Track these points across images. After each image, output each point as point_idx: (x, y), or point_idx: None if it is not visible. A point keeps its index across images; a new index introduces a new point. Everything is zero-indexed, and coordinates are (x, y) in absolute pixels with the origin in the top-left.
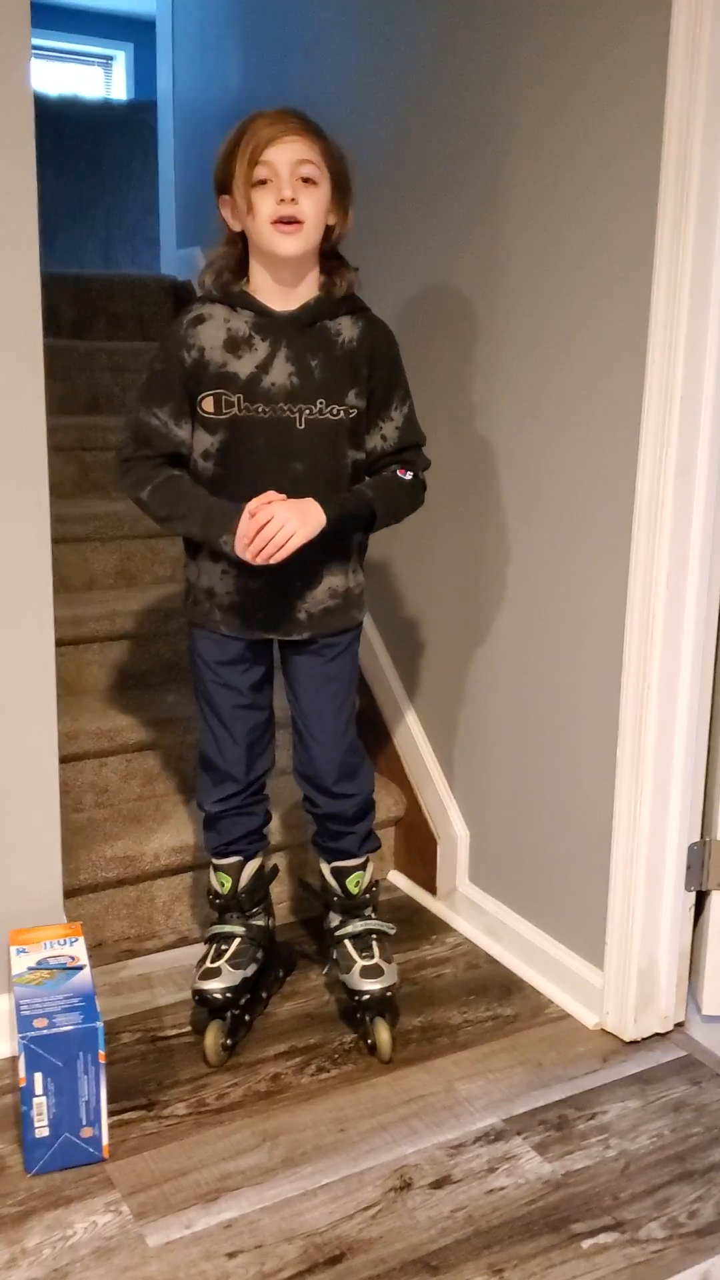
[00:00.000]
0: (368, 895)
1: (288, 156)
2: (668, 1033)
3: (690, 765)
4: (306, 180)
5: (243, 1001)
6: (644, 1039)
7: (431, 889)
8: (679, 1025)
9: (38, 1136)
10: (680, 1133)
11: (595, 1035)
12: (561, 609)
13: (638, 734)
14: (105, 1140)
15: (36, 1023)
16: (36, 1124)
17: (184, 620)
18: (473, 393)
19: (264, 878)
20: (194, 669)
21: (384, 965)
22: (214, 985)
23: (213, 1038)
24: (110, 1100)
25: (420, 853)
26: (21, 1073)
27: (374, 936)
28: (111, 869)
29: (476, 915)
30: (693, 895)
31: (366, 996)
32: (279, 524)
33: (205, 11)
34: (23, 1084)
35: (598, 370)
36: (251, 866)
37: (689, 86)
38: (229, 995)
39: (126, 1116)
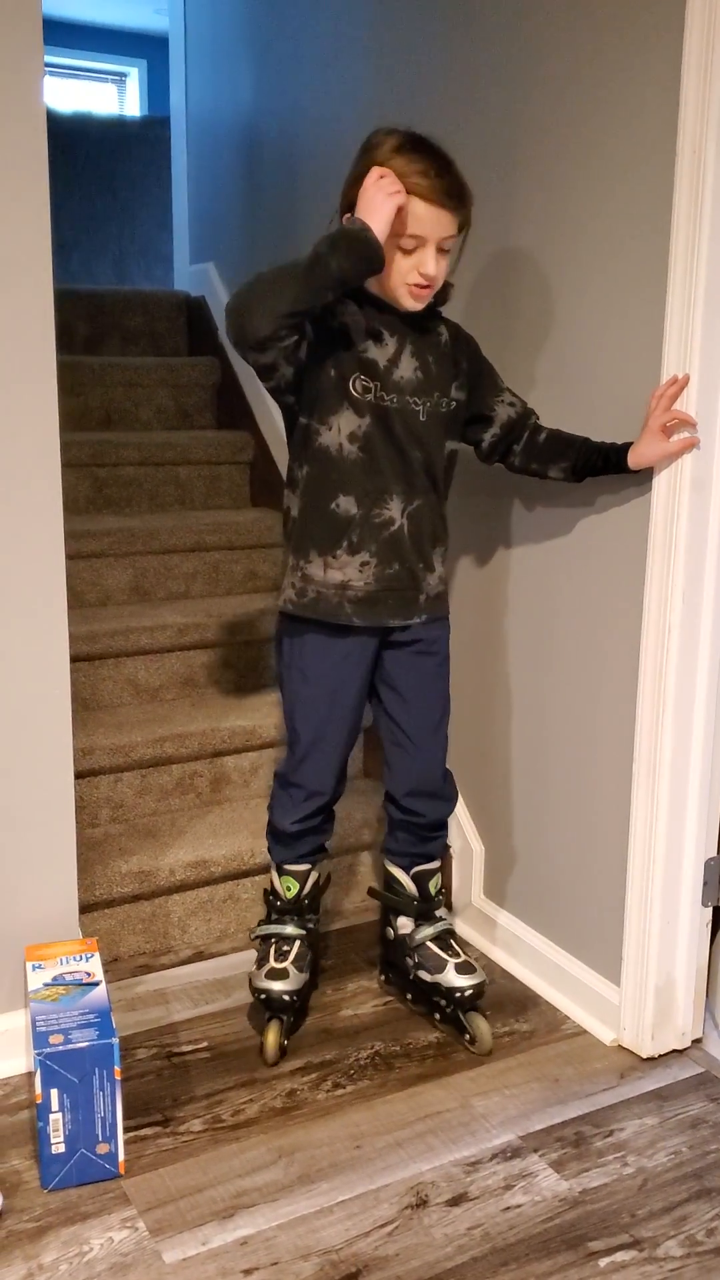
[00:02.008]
0: (440, 896)
1: (438, 230)
2: (685, 1049)
3: (707, 781)
4: (443, 248)
5: (299, 1004)
6: (661, 1055)
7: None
8: (696, 1041)
9: (54, 1152)
10: (698, 1150)
11: (612, 1052)
12: (576, 623)
13: (654, 749)
14: (121, 1156)
15: (52, 1039)
16: (53, 1140)
17: (285, 622)
18: None
19: (321, 886)
20: (298, 685)
21: (472, 962)
22: (282, 987)
23: (274, 1037)
24: (126, 1116)
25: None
26: (38, 1089)
27: (451, 935)
28: (127, 884)
29: (492, 930)
30: (709, 911)
31: (469, 992)
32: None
33: (218, 27)
34: (39, 1100)
35: (612, 381)
36: (315, 874)
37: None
38: (294, 997)
39: (143, 1133)
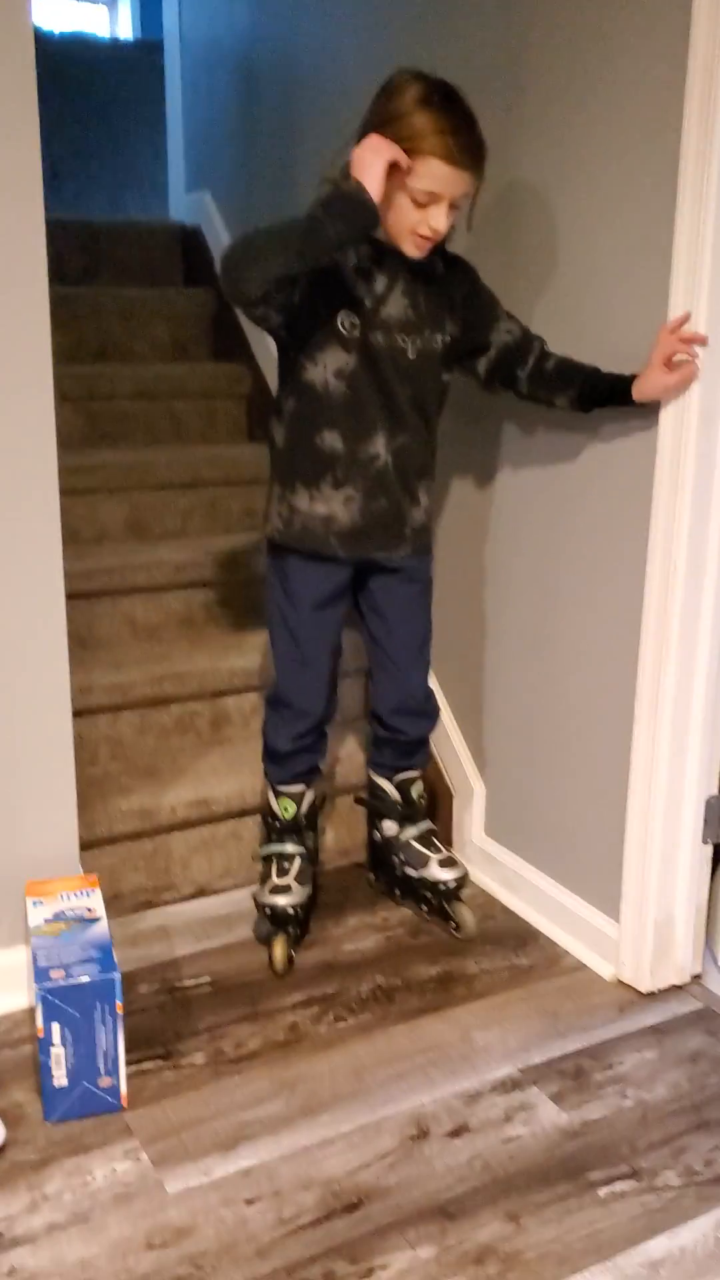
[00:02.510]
0: (422, 800)
1: (453, 189)
2: (685, 985)
3: (709, 718)
4: (454, 205)
5: (302, 916)
6: (661, 991)
7: (448, 842)
8: (696, 977)
9: (56, 1086)
10: (697, 1083)
11: (611, 987)
12: (580, 560)
13: (656, 687)
14: (124, 1089)
15: (54, 974)
16: (55, 1074)
17: (271, 549)
18: None
19: (316, 806)
20: (283, 606)
21: (454, 857)
22: (286, 900)
23: (281, 949)
24: (128, 1050)
25: (436, 807)
26: (39, 1023)
27: (433, 834)
28: (128, 822)
29: (492, 868)
30: (710, 848)
31: (451, 884)
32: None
33: None
34: (41, 1035)
35: (618, 310)
36: (310, 795)
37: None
38: (297, 910)
39: (145, 1066)
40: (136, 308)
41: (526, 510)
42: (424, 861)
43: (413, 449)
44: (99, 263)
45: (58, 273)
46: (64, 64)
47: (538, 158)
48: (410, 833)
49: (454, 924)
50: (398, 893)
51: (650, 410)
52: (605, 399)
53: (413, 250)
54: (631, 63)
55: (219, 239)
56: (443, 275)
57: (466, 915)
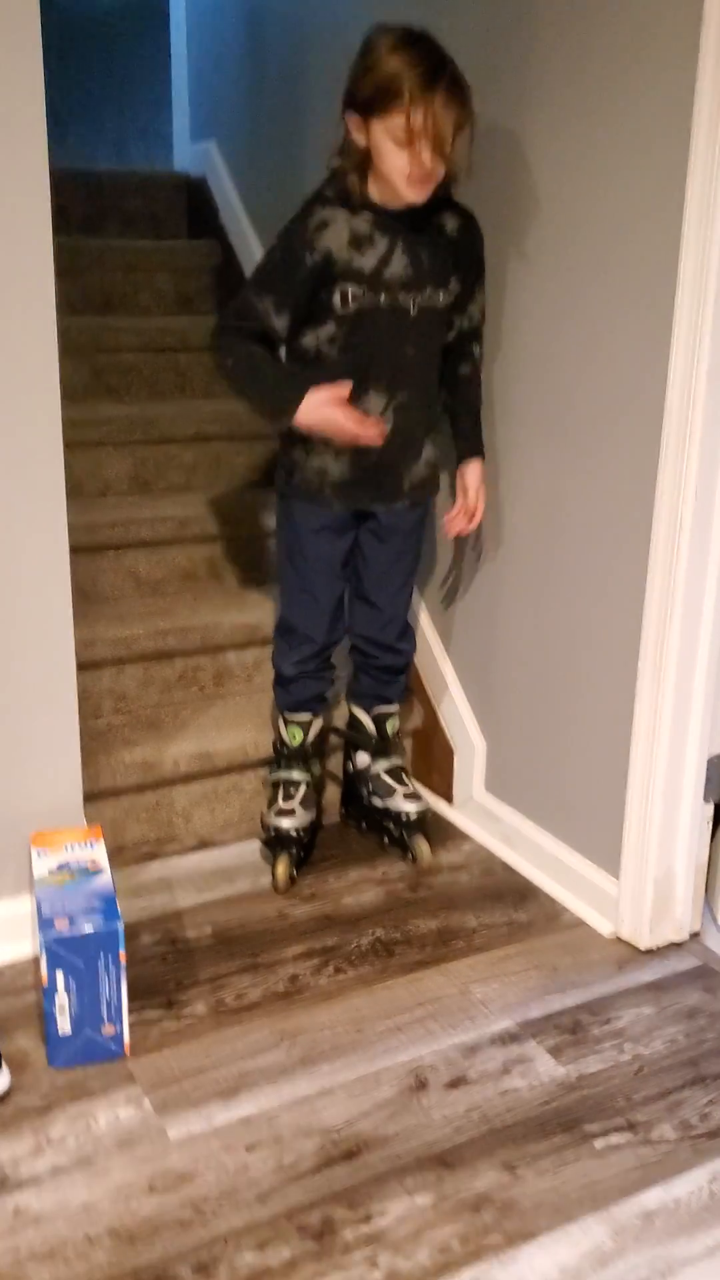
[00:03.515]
0: (397, 736)
1: (436, 129)
2: (683, 942)
3: (713, 677)
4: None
5: (305, 839)
6: (659, 948)
7: (448, 798)
8: (695, 935)
9: (60, 1033)
10: (694, 1038)
11: (610, 943)
12: (585, 516)
13: (660, 644)
14: (126, 1038)
15: (58, 924)
16: (59, 1021)
17: (279, 494)
18: (502, 300)
19: (325, 733)
20: (288, 537)
21: (418, 793)
22: (290, 823)
23: (284, 868)
24: (131, 999)
25: (437, 763)
26: (44, 972)
27: (403, 770)
28: (131, 774)
29: (492, 824)
30: (711, 807)
31: (413, 816)
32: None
33: None
34: (45, 983)
35: (630, 265)
36: (318, 723)
37: None
38: (301, 832)
39: (147, 1015)
40: (141, 259)
41: (531, 462)
42: (390, 792)
43: (416, 407)
44: (103, 213)
45: (61, 223)
46: (68, 11)
47: (546, 103)
48: (381, 765)
49: (411, 855)
50: (364, 825)
51: (658, 362)
52: (453, 432)
53: (409, 193)
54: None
55: (224, 189)
56: (454, 233)
57: (423, 847)
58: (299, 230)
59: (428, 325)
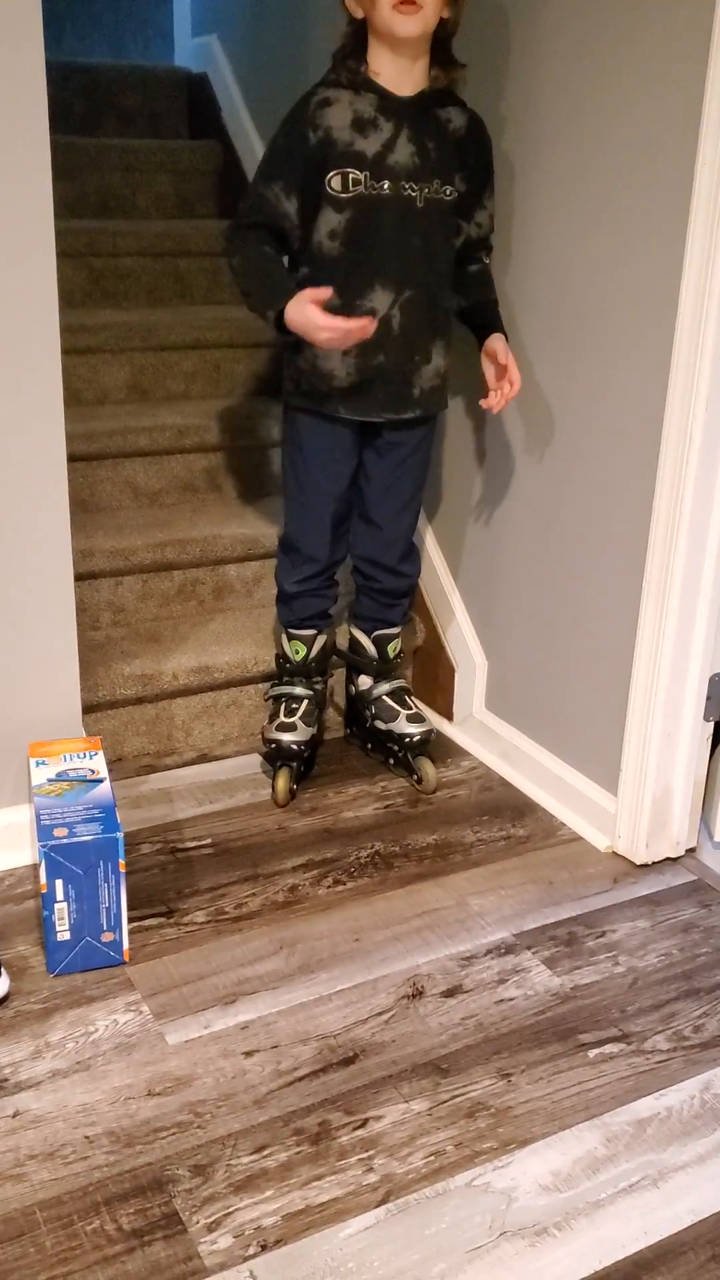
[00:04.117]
0: (399, 658)
1: None
2: (679, 858)
3: (717, 596)
4: None
5: (306, 754)
6: (655, 863)
7: (449, 715)
8: (690, 851)
9: (59, 940)
10: (688, 952)
11: (607, 858)
12: (593, 432)
13: (665, 563)
14: (126, 945)
15: (57, 832)
16: (58, 928)
17: (285, 407)
18: (512, 215)
19: (326, 652)
20: (293, 456)
21: (421, 714)
22: (291, 738)
23: (284, 781)
24: (130, 908)
25: (438, 681)
26: (43, 879)
27: (406, 691)
28: (130, 686)
29: (492, 741)
30: (710, 725)
31: (416, 738)
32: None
33: None
34: (44, 890)
35: (641, 178)
36: (321, 640)
37: None
38: (302, 747)
39: (146, 923)
40: (140, 160)
41: (536, 373)
42: (393, 715)
43: (423, 304)
44: (101, 111)
45: (58, 121)
46: None
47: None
48: (383, 688)
49: (416, 776)
50: (368, 746)
51: (671, 277)
52: (473, 325)
53: (401, 25)
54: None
55: (226, 87)
56: (460, 131)
57: (429, 768)
58: (302, 110)
59: (435, 218)
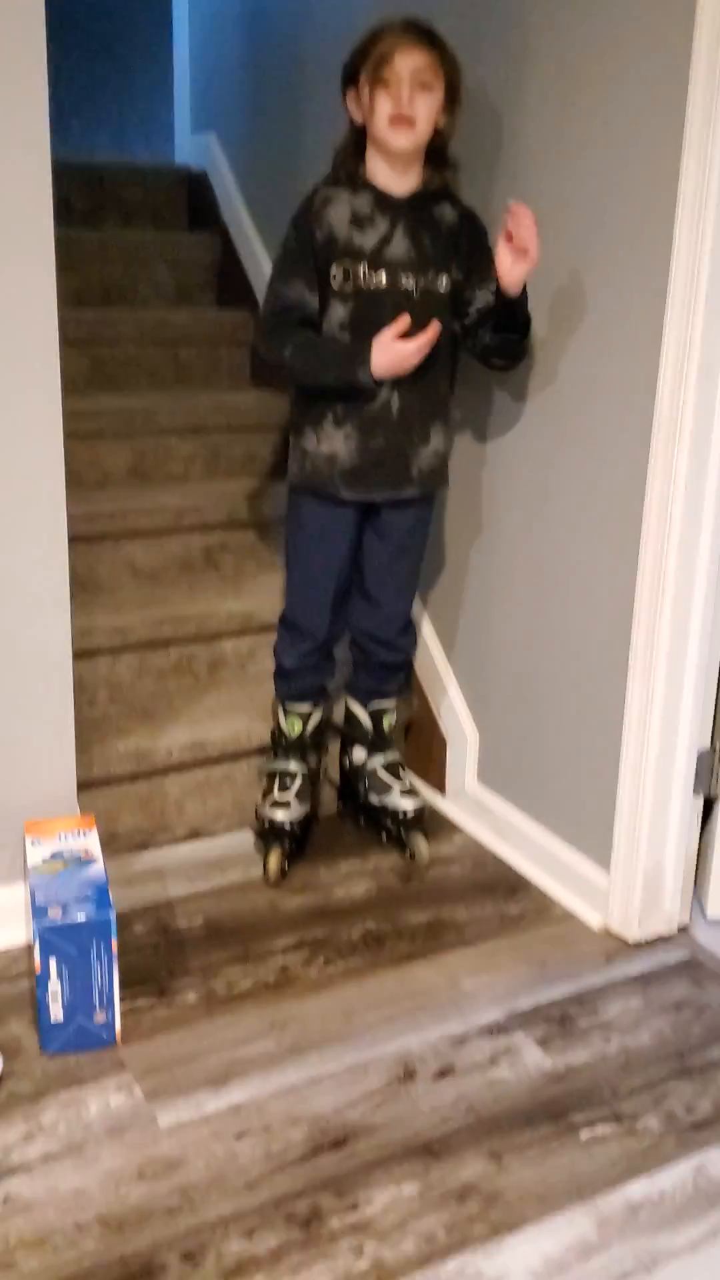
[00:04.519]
0: (394, 732)
1: (409, 65)
2: (672, 935)
3: (703, 670)
4: (423, 85)
5: (299, 832)
6: (648, 941)
7: (441, 789)
8: (683, 928)
9: (52, 1020)
10: (681, 1031)
11: (600, 936)
12: (576, 508)
13: (651, 638)
14: (118, 1025)
15: (51, 912)
16: (51, 1009)
17: (289, 489)
18: None
19: (324, 726)
20: (295, 535)
21: (416, 788)
22: (284, 815)
23: (275, 860)
24: (123, 988)
25: (431, 754)
26: (37, 960)
27: (400, 765)
28: (124, 764)
29: (484, 815)
30: (700, 800)
31: (409, 813)
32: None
33: None
34: (38, 971)
35: (620, 266)
36: (317, 715)
37: None
38: (295, 825)
39: (139, 1004)
40: (141, 251)
41: (522, 455)
42: (387, 789)
43: (420, 388)
44: (104, 205)
45: (62, 214)
46: (71, 2)
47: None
48: (377, 761)
49: (410, 852)
50: (361, 822)
51: (649, 359)
52: (499, 313)
53: (395, 139)
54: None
55: (225, 183)
56: (454, 223)
57: (421, 844)
58: (306, 209)
59: (433, 309)
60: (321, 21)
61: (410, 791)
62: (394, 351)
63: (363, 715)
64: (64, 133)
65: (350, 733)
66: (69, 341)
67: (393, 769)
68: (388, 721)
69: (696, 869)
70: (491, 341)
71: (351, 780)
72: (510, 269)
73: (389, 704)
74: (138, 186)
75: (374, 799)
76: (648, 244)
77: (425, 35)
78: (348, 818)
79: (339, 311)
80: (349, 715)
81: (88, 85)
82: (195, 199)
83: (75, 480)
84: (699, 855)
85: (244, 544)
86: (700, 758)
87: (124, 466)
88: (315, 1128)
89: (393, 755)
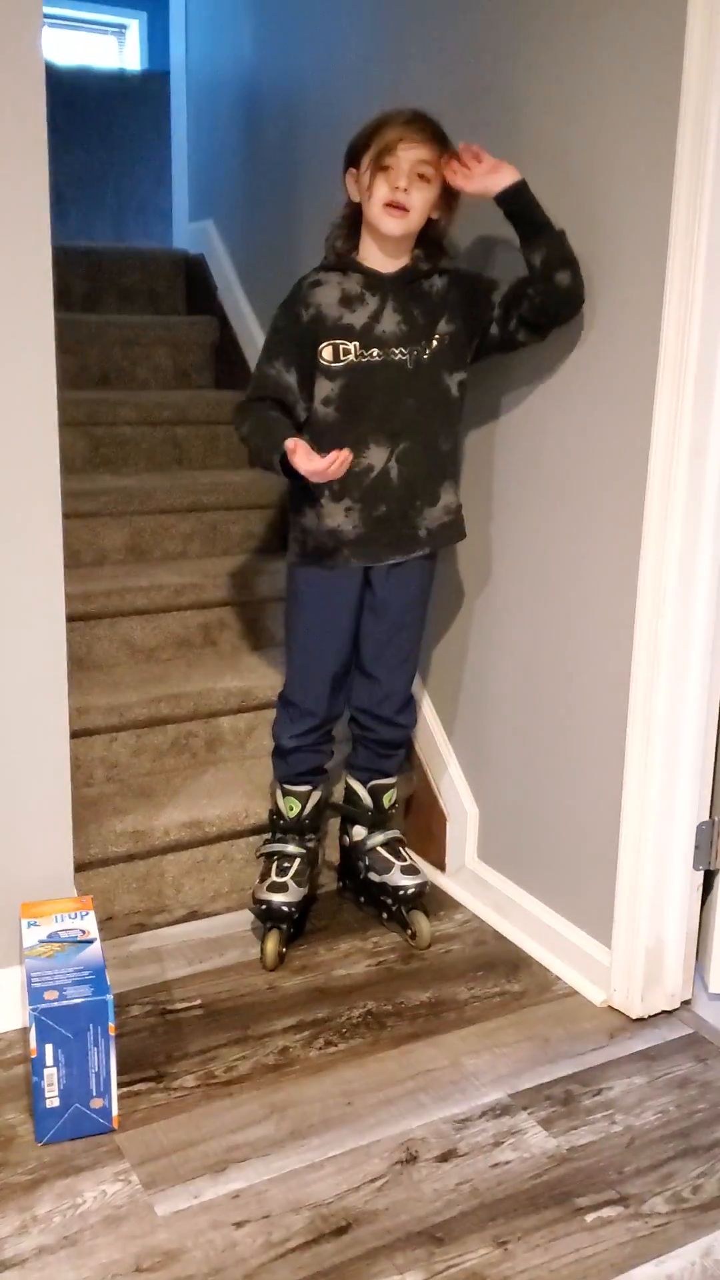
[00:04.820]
0: (394, 809)
1: (410, 156)
2: (674, 1010)
3: (700, 744)
4: (421, 176)
5: (297, 915)
6: (650, 1016)
7: (441, 866)
8: (686, 1003)
9: (48, 1107)
10: (685, 1109)
11: (602, 1012)
12: (572, 586)
13: (647, 712)
14: (115, 1111)
15: (47, 995)
16: (47, 1094)
17: (289, 568)
18: (483, 369)
19: (321, 808)
20: (294, 612)
21: (417, 865)
22: (282, 898)
23: (273, 944)
24: (120, 1072)
25: (430, 830)
26: (33, 1044)
27: (400, 843)
28: (121, 843)
29: (485, 892)
30: (701, 874)
31: (410, 891)
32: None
33: None
34: (34, 1055)
35: (610, 343)
36: (316, 796)
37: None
38: (293, 908)
39: (136, 1088)
40: (140, 335)
41: (518, 535)
42: (388, 867)
43: (421, 453)
44: (103, 289)
45: (62, 299)
46: (72, 93)
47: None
48: (378, 839)
49: (411, 932)
50: (361, 900)
51: (639, 440)
52: (522, 234)
53: (387, 224)
54: (626, 94)
55: (222, 267)
56: (443, 289)
57: (423, 924)
58: (295, 293)
59: (428, 376)
60: (316, 114)
61: (411, 869)
62: (304, 464)
63: (363, 793)
64: (64, 221)
65: (350, 812)
66: (68, 422)
67: (393, 847)
68: (388, 798)
69: (698, 943)
70: (538, 297)
71: (351, 858)
72: (468, 180)
73: (389, 781)
74: (136, 271)
75: (374, 877)
76: (635, 334)
77: (430, 129)
78: (348, 896)
79: (325, 387)
80: (349, 793)
81: (88, 176)
82: (193, 283)
83: (73, 559)
84: (700, 929)
85: (242, 621)
86: (700, 830)
87: (122, 545)
88: (316, 1215)
89: (393, 833)
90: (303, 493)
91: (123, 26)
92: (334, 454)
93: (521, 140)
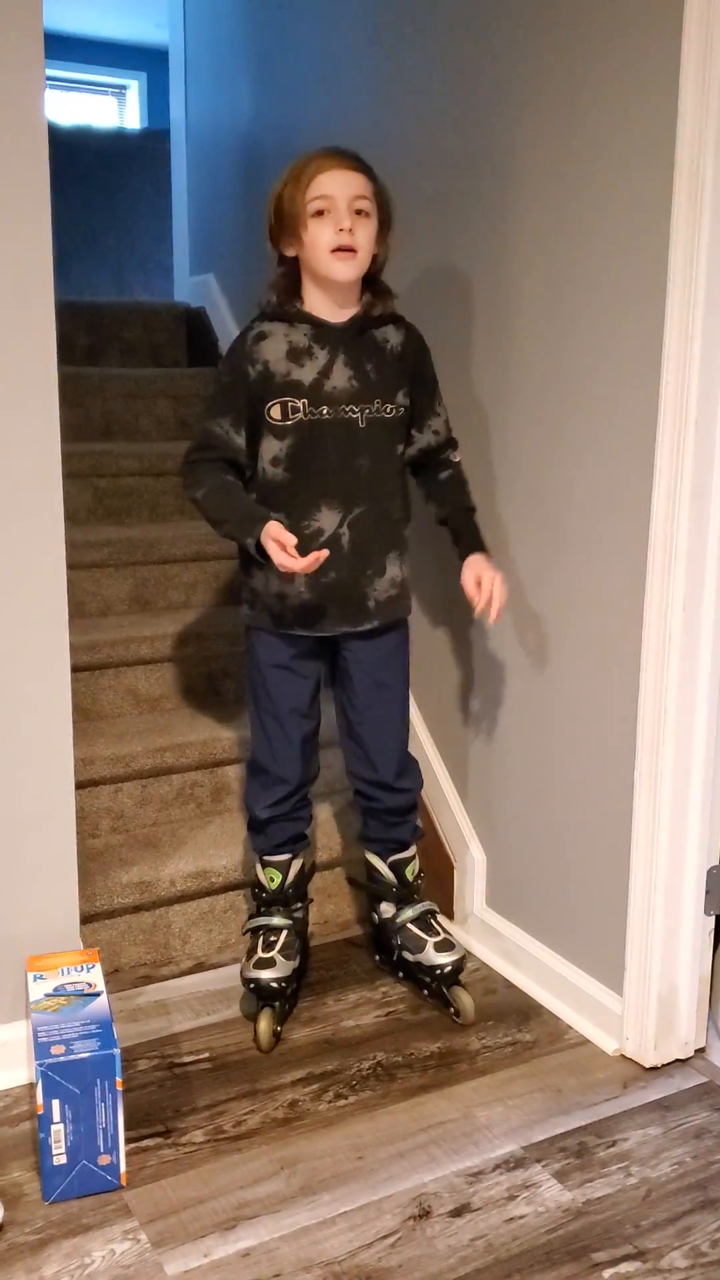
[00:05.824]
0: (418, 881)
1: (345, 190)
2: (688, 1059)
3: (708, 789)
4: (360, 212)
5: (289, 990)
6: (664, 1065)
7: (450, 914)
8: (699, 1051)
9: (55, 1164)
10: (702, 1160)
11: (615, 1061)
12: (577, 632)
13: (655, 758)
14: (123, 1168)
15: (54, 1049)
16: (54, 1151)
17: (244, 628)
18: (485, 410)
19: (305, 875)
20: (254, 675)
21: (451, 939)
22: (270, 975)
23: (266, 1024)
24: (128, 1127)
25: (438, 878)
26: (39, 1100)
27: (432, 915)
28: (128, 895)
29: (494, 940)
30: (712, 920)
31: (448, 969)
32: (498, 591)
33: (217, 41)
34: (40, 1111)
35: (612, 393)
36: (297, 864)
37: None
38: (283, 984)
39: (144, 1144)
40: (142, 387)
41: (523, 580)
42: (421, 946)
43: (373, 520)
44: (105, 343)
45: (65, 353)
46: (73, 152)
47: (531, 229)
48: (407, 914)
49: (454, 1010)
50: (400, 974)
51: (642, 483)
52: (453, 536)
53: (338, 269)
54: (622, 141)
55: (223, 320)
56: (398, 348)
57: (466, 1000)
58: (239, 346)
59: (382, 436)
60: None
61: (446, 945)
62: (284, 561)
63: (384, 869)
64: (66, 275)
65: (375, 889)
66: (72, 474)
67: (425, 922)
68: (410, 870)
69: (711, 990)
70: (432, 490)
71: (383, 936)
72: (494, 610)
73: (409, 855)
74: (137, 325)
75: (409, 956)
76: (635, 374)
77: (356, 160)
78: (384, 968)
79: (274, 446)
80: (370, 870)
81: (90, 231)
82: (194, 336)
83: (77, 610)
84: (713, 976)
85: (246, 669)
86: (710, 875)
87: (126, 595)
88: (329, 1273)
89: (424, 906)
90: (251, 557)
91: (123, 87)
92: (314, 555)
93: (517, 183)
